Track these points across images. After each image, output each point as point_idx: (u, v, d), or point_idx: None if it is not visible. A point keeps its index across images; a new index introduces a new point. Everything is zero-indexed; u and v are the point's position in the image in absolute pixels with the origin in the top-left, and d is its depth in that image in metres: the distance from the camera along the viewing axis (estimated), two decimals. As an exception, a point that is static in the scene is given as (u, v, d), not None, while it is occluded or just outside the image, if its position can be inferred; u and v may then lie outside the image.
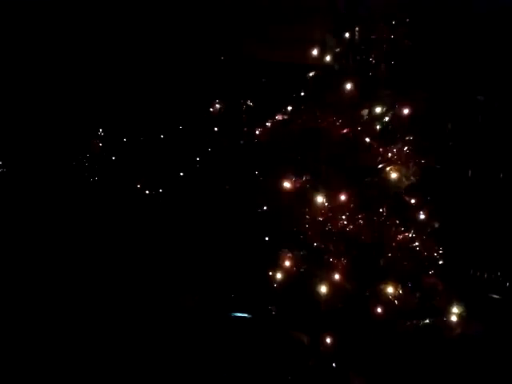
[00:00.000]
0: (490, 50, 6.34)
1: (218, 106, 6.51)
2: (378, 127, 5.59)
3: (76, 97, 6.68)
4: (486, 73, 6.30)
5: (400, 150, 5.56)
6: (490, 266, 6.14)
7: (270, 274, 5.82)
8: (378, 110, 5.55)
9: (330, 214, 5.59)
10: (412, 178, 5.52)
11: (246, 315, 6.24)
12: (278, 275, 5.76)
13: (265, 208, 6.09)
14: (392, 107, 5.56)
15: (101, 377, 5.79)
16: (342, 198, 5.57)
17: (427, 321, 5.55)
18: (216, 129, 6.57)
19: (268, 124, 6.11)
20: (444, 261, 5.72)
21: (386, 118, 5.59)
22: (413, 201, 5.66)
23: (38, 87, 6.68)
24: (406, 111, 5.55)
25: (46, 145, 6.69)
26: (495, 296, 6.08)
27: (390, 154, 5.56)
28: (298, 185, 5.71)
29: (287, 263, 5.72)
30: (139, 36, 6.63)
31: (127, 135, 6.64)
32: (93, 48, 6.66)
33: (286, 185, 5.72)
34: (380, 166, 5.57)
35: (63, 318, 6.22)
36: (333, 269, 5.55)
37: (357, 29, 5.56)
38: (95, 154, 6.55)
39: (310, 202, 5.65)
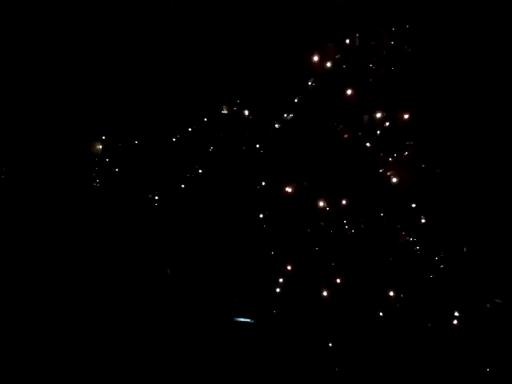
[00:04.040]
0: (491, 54, 6.37)
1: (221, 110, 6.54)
2: (378, 132, 5.63)
3: (78, 99, 6.70)
4: (487, 77, 6.33)
5: (400, 155, 5.60)
6: (491, 270, 6.15)
7: (273, 278, 5.85)
8: (379, 115, 5.60)
9: (331, 219, 5.63)
10: (413, 182, 5.58)
11: (248, 320, 6.25)
12: (280, 280, 5.80)
13: (267, 213, 6.12)
14: (392, 113, 5.61)
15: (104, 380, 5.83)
16: (343, 202, 5.62)
17: (429, 324, 5.58)
18: (218, 134, 6.59)
19: (270, 129, 6.17)
20: (445, 264, 5.75)
21: (387, 123, 5.63)
22: (413, 205, 5.69)
23: (39, 88, 6.70)
24: (405, 116, 5.61)
25: (46, 147, 6.70)
26: (497, 300, 6.09)
27: (390, 159, 5.60)
28: (299, 190, 5.74)
29: (289, 267, 5.76)
30: (141, 36, 6.66)
31: (129, 139, 6.65)
32: (95, 49, 6.68)
33: (288, 190, 5.76)
34: (381, 170, 5.62)
35: (67, 318, 6.25)
36: (334, 273, 5.58)
37: (357, 35, 5.61)
38: (96, 156, 6.56)
39: (312, 206, 5.69)
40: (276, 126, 6.13)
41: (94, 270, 6.54)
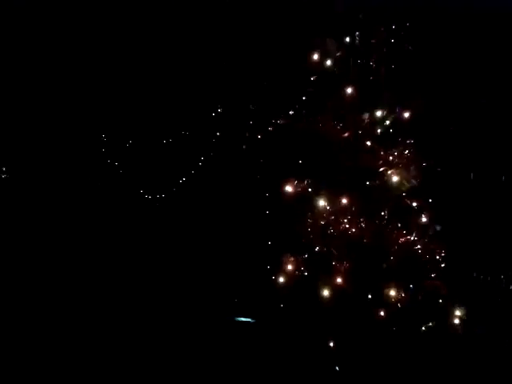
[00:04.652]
0: (491, 52, 6.36)
1: (220, 109, 6.54)
2: (378, 131, 5.61)
3: (79, 100, 6.70)
4: (486, 74, 6.31)
5: (401, 153, 5.58)
6: (492, 269, 6.14)
7: (273, 278, 5.83)
8: (379, 113, 5.57)
9: (332, 218, 5.60)
10: (413, 180, 5.54)
11: (249, 319, 6.24)
12: (281, 279, 5.77)
13: (267, 212, 6.10)
14: (393, 111, 5.58)
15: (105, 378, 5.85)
16: (344, 201, 5.59)
17: (430, 323, 5.56)
18: (218, 133, 6.59)
19: (270, 128, 6.15)
20: (446, 263, 5.73)
21: (387, 122, 5.60)
22: (414, 204, 5.66)
23: (40, 89, 6.69)
24: (406, 114, 5.58)
25: (47, 147, 6.69)
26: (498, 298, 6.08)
27: (391, 157, 5.58)
28: (299, 188, 5.71)
29: (290, 267, 5.73)
30: (141, 37, 6.65)
31: (130, 138, 6.65)
32: (96, 51, 6.67)
33: (288, 188, 5.73)
34: (381, 169, 5.59)
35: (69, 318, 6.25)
36: (335, 272, 5.56)
37: (357, 33, 5.58)
38: (97, 156, 6.56)
39: (312, 205, 5.67)
40: (276, 123, 6.11)
41: (95, 268, 6.54)
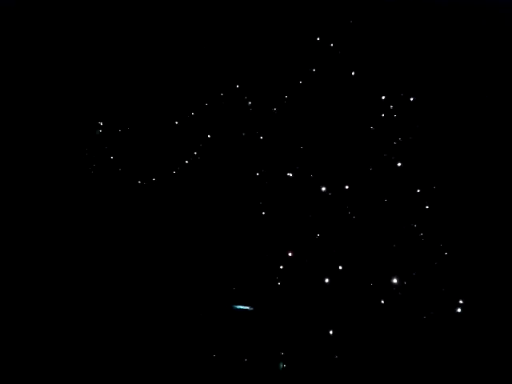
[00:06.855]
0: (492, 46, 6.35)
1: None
2: (382, 115, 5.58)
3: (72, 90, 6.67)
4: (491, 66, 6.29)
5: (405, 140, 5.57)
6: (491, 262, 6.13)
7: (273, 265, 5.82)
8: (383, 97, 5.55)
9: (333, 205, 5.59)
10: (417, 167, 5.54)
11: (247, 308, 6.23)
12: (281, 267, 5.76)
13: (266, 200, 6.09)
14: (397, 95, 5.57)
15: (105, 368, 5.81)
16: (346, 187, 5.58)
17: (430, 314, 5.55)
18: (216, 121, 6.57)
19: (269, 115, 6.14)
20: (448, 254, 5.72)
21: (391, 106, 5.58)
22: (418, 191, 5.65)
23: (36, 82, 6.67)
24: (411, 99, 5.56)
25: (42, 138, 6.67)
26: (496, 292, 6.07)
27: (394, 143, 5.56)
28: (299, 178, 5.71)
29: (290, 254, 5.73)
30: (136, 30, 6.63)
31: (126, 125, 6.62)
32: (90, 40, 6.65)
33: (289, 175, 5.72)
34: (385, 155, 5.58)
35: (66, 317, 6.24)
36: (336, 260, 5.55)
37: (360, 17, 5.55)
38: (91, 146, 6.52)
39: (313, 191, 5.67)
40: (275, 110, 6.10)
41: (90, 256, 6.52)
